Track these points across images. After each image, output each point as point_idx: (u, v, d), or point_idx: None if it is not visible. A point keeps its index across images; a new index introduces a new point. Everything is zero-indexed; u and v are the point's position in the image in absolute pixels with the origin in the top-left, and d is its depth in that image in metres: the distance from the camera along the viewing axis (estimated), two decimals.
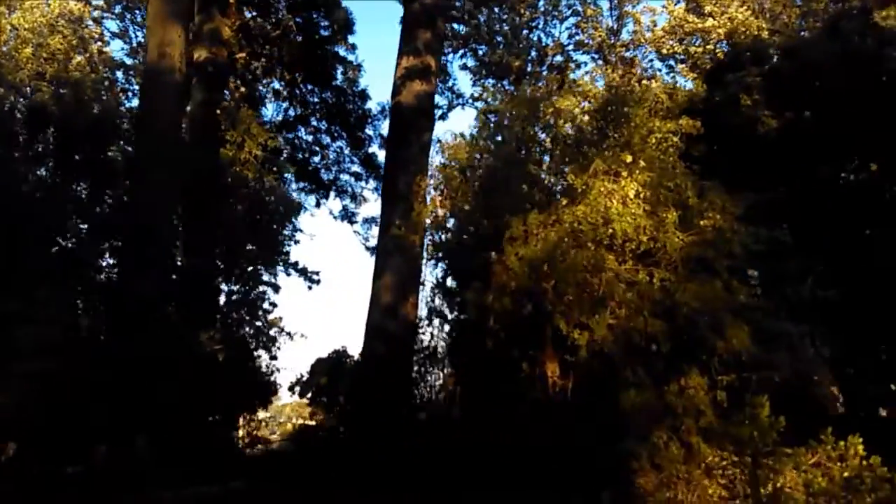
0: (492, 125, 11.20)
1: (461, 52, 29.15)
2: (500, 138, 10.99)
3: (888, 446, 9.51)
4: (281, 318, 16.69)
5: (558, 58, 29.47)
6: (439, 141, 11.76)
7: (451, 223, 11.72)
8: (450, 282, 11.89)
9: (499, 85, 28.23)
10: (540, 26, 29.98)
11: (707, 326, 9.10)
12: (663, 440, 8.89)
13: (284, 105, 20.14)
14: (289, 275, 17.83)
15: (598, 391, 10.26)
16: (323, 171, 19.65)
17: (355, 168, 19.60)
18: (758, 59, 19.56)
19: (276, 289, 16.55)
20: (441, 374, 12.49)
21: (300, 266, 17.05)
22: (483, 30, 29.32)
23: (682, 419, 9.45)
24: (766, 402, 7.00)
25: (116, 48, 21.67)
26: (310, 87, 19.28)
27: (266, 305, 16.29)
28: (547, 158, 10.72)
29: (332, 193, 19.73)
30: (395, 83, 14.98)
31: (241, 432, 19.92)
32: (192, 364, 10.09)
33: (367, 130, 19.22)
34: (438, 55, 15.31)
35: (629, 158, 9.31)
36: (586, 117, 10.51)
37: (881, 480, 6.74)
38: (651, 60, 28.82)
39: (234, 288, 16.82)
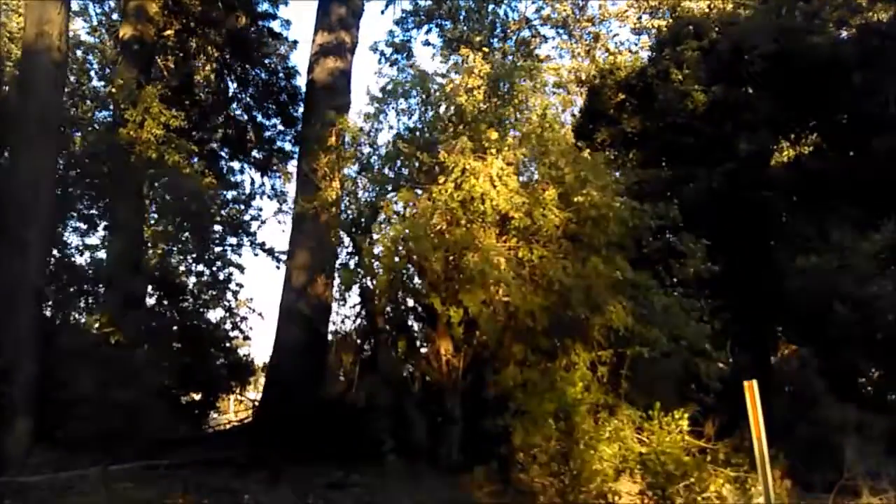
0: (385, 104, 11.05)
1: (425, 27, 28.85)
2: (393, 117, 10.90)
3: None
4: (252, 299, 17.09)
5: (526, 32, 29.30)
6: (341, 120, 11.54)
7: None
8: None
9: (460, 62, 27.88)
10: (506, 0, 29.68)
11: (581, 302, 9.09)
12: (549, 415, 8.86)
13: (220, 83, 19.87)
14: (256, 255, 18.13)
15: (486, 368, 10.33)
16: (257, 149, 19.49)
17: (287, 146, 19.44)
18: (698, 34, 19.45)
19: (242, 269, 16.91)
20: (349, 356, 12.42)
21: (267, 246, 17.44)
22: (446, 4, 28.98)
23: (566, 395, 9.52)
24: (577, 380, 6.99)
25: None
26: (240, 64, 18.98)
27: (233, 286, 17.04)
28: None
29: (263, 172, 19.61)
30: (310, 60, 14.81)
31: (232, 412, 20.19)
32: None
33: (298, 108, 18.98)
34: (355, 31, 15.08)
35: (494, 135, 9.25)
36: (478, 95, 10.36)
37: (666, 454, 6.78)
38: (615, 35, 28.61)
39: (203, 269, 17.30)
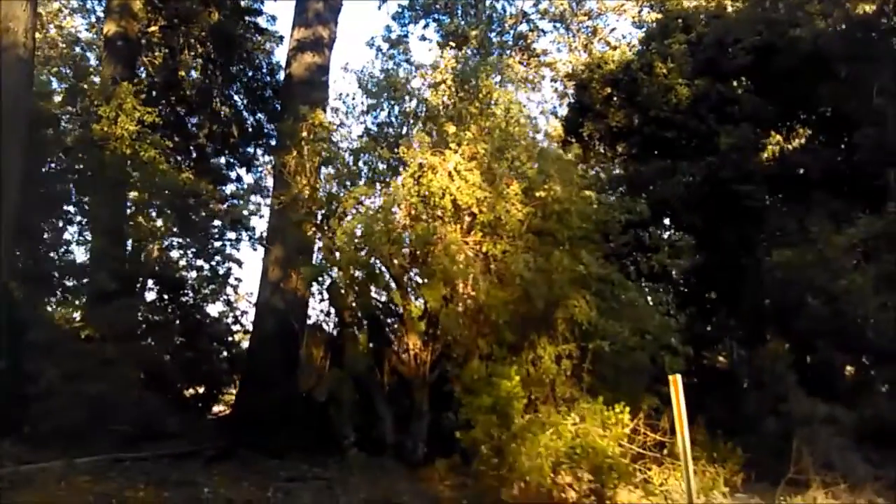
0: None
1: (422, 22, 28.73)
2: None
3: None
4: (252, 293, 17.21)
5: (524, 27, 29.21)
6: (307, 115, 11.48)
7: None
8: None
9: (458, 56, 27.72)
10: None
11: (542, 296, 9.07)
12: (487, 409, 8.79)
13: (206, 79, 19.90)
14: (255, 250, 18.33)
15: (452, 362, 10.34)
16: (241, 145, 19.54)
17: (273, 142, 19.42)
18: (687, 27, 19.34)
19: (240, 264, 17.28)
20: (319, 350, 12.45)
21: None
22: None
23: (532, 389, 9.53)
24: (514, 374, 6.96)
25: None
26: (225, 60, 19.00)
27: (232, 280, 17.49)
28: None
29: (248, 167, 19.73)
30: (288, 55, 14.83)
31: None
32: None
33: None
34: (333, 26, 15.05)
35: (452, 129, 9.23)
36: (445, 90, 10.34)
37: (592, 449, 6.74)
38: (613, 30, 28.51)
39: (203, 264, 17.56)
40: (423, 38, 26.55)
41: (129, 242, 15.87)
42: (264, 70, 19.29)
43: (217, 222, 17.99)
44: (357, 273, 9.66)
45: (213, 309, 18.24)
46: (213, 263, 17.80)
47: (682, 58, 17.86)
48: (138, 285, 17.02)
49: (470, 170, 9.07)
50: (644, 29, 25.41)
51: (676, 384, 5.65)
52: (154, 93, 18.61)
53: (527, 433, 6.87)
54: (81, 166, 12.79)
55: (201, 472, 9.61)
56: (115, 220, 13.91)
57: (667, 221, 17.63)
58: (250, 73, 19.44)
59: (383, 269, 9.85)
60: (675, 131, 16.99)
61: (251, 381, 13.23)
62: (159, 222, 17.88)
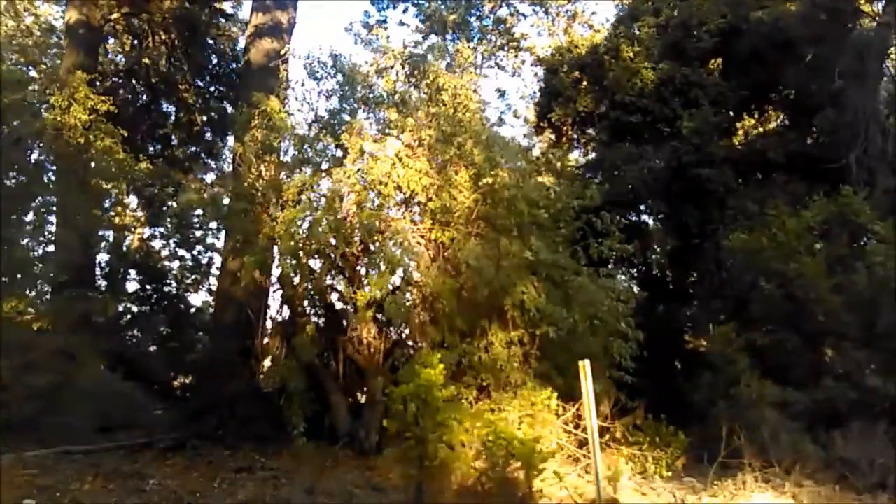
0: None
1: (402, 6, 28.43)
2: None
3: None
4: None
5: (504, 10, 29.01)
6: (266, 102, 11.34)
7: None
8: None
9: (438, 41, 27.54)
10: None
11: (489, 283, 9.06)
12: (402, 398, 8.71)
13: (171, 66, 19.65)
14: None
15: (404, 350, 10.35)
16: (204, 132, 19.36)
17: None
18: (657, 10, 19.25)
19: (221, 253, 16.53)
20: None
21: None
22: None
23: (482, 375, 9.57)
24: (436, 362, 6.95)
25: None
26: (189, 47, 18.75)
27: (214, 270, 17.55)
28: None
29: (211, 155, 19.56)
30: (246, 41, 14.65)
31: None
32: None
33: None
34: (292, 12, 14.85)
35: (395, 115, 9.16)
36: (394, 76, 10.27)
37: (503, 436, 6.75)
38: (594, 13, 28.31)
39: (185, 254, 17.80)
40: (402, 24, 26.20)
41: (111, 233, 15.96)
42: (229, 56, 19.07)
43: (199, 211, 18.00)
44: (307, 261, 9.61)
45: (197, 299, 18.53)
46: (195, 253, 17.93)
47: (650, 41, 17.80)
48: (119, 276, 17.10)
49: (416, 157, 9.01)
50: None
51: (585, 370, 5.66)
52: (121, 80, 18.51)
53: (451, 421, 6.87)
54: (40, 156, 12.63)
55: (152, 463, 9.58)
56: (75, 210, 13.78)
57: (641, 206, 17.72)
58: (215, 60, 19.23)
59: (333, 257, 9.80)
60: (640, 116, 16.96)
61: (210, 372, 13.17)
62: (139, 212, 18.01)
